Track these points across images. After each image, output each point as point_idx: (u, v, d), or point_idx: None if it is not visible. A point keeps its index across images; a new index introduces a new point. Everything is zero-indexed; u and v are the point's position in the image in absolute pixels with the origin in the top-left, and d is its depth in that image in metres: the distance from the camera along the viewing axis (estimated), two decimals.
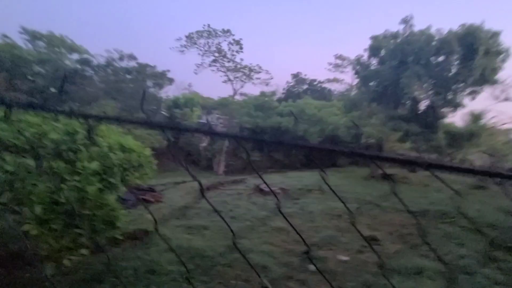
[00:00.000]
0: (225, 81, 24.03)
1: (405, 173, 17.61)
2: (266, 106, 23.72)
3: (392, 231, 6.83)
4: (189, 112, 21.76)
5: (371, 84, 13.72)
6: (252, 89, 58.17)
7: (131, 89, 17.89)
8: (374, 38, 13.17)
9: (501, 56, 10.97)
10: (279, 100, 29.87)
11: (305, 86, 38.03)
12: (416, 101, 12.95)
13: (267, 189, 9.77)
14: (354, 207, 8.59)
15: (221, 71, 23.43)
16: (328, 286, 4.46)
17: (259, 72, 23.18)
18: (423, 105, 13.42)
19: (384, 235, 6.52)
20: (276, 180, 12.54)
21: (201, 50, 23.13)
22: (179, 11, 41.92)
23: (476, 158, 24.53)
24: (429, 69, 11.56)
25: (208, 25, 22.26)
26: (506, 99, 10.35)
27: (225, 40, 22.45)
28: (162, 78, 21.33)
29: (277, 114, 22.85)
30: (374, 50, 13.24)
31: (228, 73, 23.32)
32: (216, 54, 22.86)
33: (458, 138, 14.81)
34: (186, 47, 23.16)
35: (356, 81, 17.70)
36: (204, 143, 22.61)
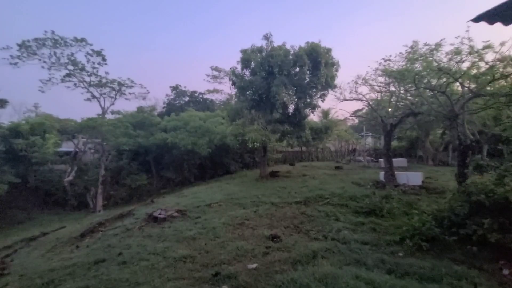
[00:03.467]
0: (88, 99, 19.65)
1: (287, 168, 20.85)
2: (147, 123, 21.86)
3: (287, 224, 7.54)
4: (39, 140, 16.37)
5: (248, 93, 14.99)
6: (127, 105, 52.10)
7: None
8: (244, 52, 14.50)
9: (335, 67, 14.92)
10: (161, 115, 28.22)
11: (187, 98, 37.77)
12: (285, 106, 15.31)
13: (162, 215, 8.60)
14: (253, 210, 8.95)
15: (81, 87, 18.92)
16: None
17: (132, 86, 20.50)
18: (291, 109, 16.06)
19: (282, 230, 7.08)
20: (170, 201, 11.54)
21: (45, 62, 17.77)
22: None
23: (331, 145, 33.13)
24: (291, 79, 13.96)
25: (53, 32, 17.43)
26: (344, 99, 14.02)
27: (80, 51, 18.29)
28: None
29: (161, 130, 21.35)
30: (245, 62, 14.55)
31: (92, 89, 19.18)
32: (70, 67, 18.24)
33: (318, 132, 18.88)
34: (20, 59, 17.19)
35: (234, 91, 19.14)
36: (69, 177, 17.62)
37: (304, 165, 22.19)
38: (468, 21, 2.97)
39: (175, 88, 37.10)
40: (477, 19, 2.88)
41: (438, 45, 10.27)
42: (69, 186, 17.56)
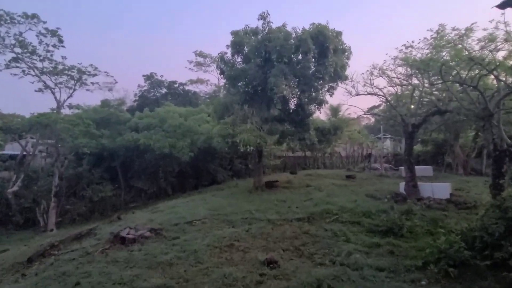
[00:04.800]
0: (40, 89, 19.32)
1: (288, 176, 20.95)
2: (114, 120, 21.72)
3: (287, 246, 7.57)
4: None
5: (239, 84, 15.02)
6: (89, 98, 51.78)
7: None
8: (235, 34, 14.56)
9: (346, 54, 15.12)
10: (131, 110, 28.17)
11: (164, 90, 37.77)
12: (286, 101, 15.40)
13: (131, 235, 8.54)
14: (245, 229, 8.96)
15: (31, 74, 18.57)
16: None
17: (95, 74, 20.27)
18: (292, 104, 16.17)
19: (280, 253, 7.10)
20: (142, 218, 11.47)
21: None
22: None
23: (341, 149, 33.46)
24: (292, 68, 14.07)
25: None
26: (357, 94, 14.19)
27: (30, 29, 17.93)
28: None
29: (131, 129, 21.28)
30: (236, 46, 14.61)
31: (45, 77, 18.83)
32: (18, 50, 17.90)
33: (326, 133, 19.08)
34: None
35: (223, 81, 19.15)
36: (14, 187, 17.30)
37: (308, 173, 22.30)
38: (493, 7, 3.03)
39: (149, 77, 37.07)
40: (503, 5, 2.93)
41: (469, 30, 10.54)
42: (14, 198, 17.21)
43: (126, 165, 21.58)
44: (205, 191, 18.71)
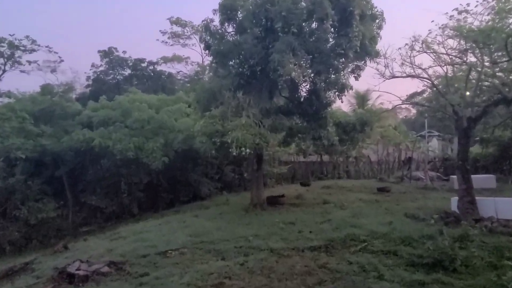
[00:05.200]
0: None
1: (298, 189, 20.91)
2: (58, 113, 21.72)
3: (297, 286, 7.54)
4: None
5: (232, 63, 14.91)
6: (24, 83, 51.45)
7: None
8: None
9: (377, 21, 15.09)
10: (83, 99, 28.12)
11: (128, 71, 37.75)
12: (295, 85, 15.37)
13: (83, 271, 8.51)
14: (239, 262, 8.94)
15: None
16: None
17: (33, 50, 20.23)
18: (304, 90, 16.12)
19: None
20: (98, 247, 11.46)
21: None
22: None
23: (371, 152, 33.48)
24: (303, 40, 14.00)
25: None
26: (392, 76, 14.18)
27: None
28: None
29: (82, 125, 21.29)
30: (227, 11, 14.48)
31: None
32: None
33: (350, 130, 19.08)
34: None
35: (209, 59, 19.06)
36: None
37: (326, 185, 22.27)
38: None
39: (107, 54, 37.08)
40: None
41: None
42: None
43: (76, 174, 21.50)
44: (184, 210, 18.71)
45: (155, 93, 27.72)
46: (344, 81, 15.00)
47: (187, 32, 40.52)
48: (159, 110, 21.85)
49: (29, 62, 20.89)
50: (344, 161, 30.67)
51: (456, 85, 15.01)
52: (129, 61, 37.91)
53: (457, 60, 14.21)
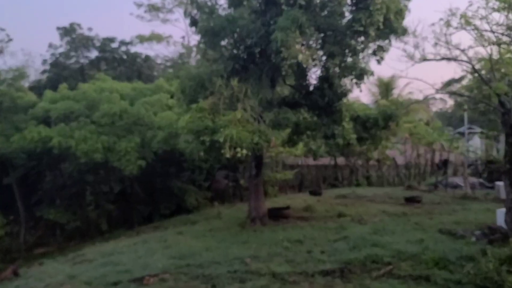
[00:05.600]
0: None
1: (306, 199, 20.84)
2: (7, 106, 21.79)
3: None
4: None
5: (224, 44, 15.05)
6: None
7: None
8: None
9: None
10: (39, 88, 28.14)
11: (95, 53, 37.73)
12: (302, 71, 15.38)
13: None
14: None
15: None
16: None
17: None
18: (313, 77, 16.17)
19: None
20: (58, 273, 11.38)
21: None
22: None
23: (397, 153, 33.39)
24: (312, 15, 14.01)
25: None
26: (423, 59, 14.14)
27: None
28: None
29: (37, 120, 21.31)
30: None
31: None
32: None
33: (370, 126, 19.05)
34: None
35: (195, 38, 18.95)
36: None
37: (341, 194, 22.23)
38: None
39: (68, 32, 36.91)
40: None
41: None
42: None
43: (29, 182, 21.46)
44: (166, 226, 18.70)
45: (129, 80, 27.70)
46: (363, 65, 15.03)
47: (169, 4, 40.39)
48: (134, 102, 21.81)
49: None
50: (364, 165, 30.68)
51: (503, 70, 15.02)
52: (96, 41, 37.71)
53: (504, 38, 14.22)
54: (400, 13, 14.70)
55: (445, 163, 30.01)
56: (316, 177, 29.02)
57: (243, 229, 15.27)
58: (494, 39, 14.26)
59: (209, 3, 15.17)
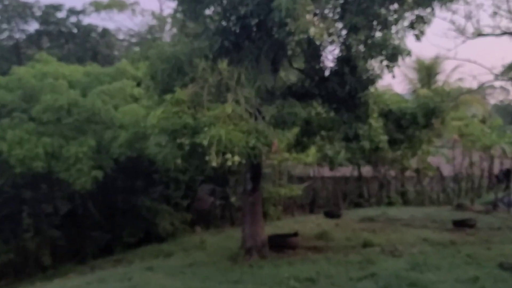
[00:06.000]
0: None
1: (321, 223, 20.75)
2: None
3: None
4: None
5: (208, 13, 15.23)
6: None
7: None
8: None
9: None
10: None
11: (33, 26, 37.76)
12: (315, 50, 15.42)
13: None
14: None
15: None
16: None
17: None
18: (329, 58, 16.20)
19: None
20: None
21: None
22: None
23: (442, 160, 33.05)
24: None
25: None
26: (478, 33, 14.19)
27: None
28: None
29: None
30: None
31: None
32: None
33: (407, 125, 19.07)
34: None
35: (170, 6, 18.88)
36: None
37: (368, 215, 22.27)
38: None
39: None
40: None
41: None
42: None
43: None
44: (131, 259, 18.74)
45: (81, 62, 27.68)
46: (397, 42, 15.07)
47: None
48: (87, 92, 21.77)
49: None
50: (398, 177, 30.77)
51: None
52: (36, 9, 37.69)
53: None
54: None
55: (507, 174, 30.11)
56: (333, 193, 29.07)
57: (235, 264, 15.26)
58: None
59: None
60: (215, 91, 15.87)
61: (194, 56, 15.50)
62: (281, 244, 16.67)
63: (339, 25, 14.97)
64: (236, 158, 13.98)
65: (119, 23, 41.24)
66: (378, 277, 12.63)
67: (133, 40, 40.59)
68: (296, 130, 17.49)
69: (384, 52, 15.12)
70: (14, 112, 20.61)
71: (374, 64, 15.75)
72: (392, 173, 30.32)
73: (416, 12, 15.27)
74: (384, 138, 16.98)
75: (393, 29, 15.03)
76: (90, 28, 38.90)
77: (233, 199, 25.18)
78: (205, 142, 13.90)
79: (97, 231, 22.46)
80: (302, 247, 16.66)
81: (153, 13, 40.02)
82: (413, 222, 20.14)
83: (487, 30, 14.37)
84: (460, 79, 29.86)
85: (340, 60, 15.91)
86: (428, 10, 15.21)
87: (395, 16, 14.94)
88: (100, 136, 20.40)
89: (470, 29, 14.15)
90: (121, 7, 40.36)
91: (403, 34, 15.34)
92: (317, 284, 12.47)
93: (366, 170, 29.59)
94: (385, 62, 15.46)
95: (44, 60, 24.94)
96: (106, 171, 20.07)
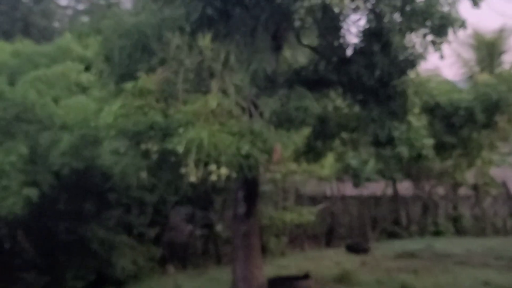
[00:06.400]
0: None
1: (342, 261, 20.82)
2: None
3: None
4: None
5: None
6: None
7: None
8: None
9: None
10: None
11: None
12: (332, 21, 15.45)
13: None
14: None
15: None
16: None
17: None
18: (353, 32, 16.22)
19: None
20: None
21: None
22: None
23: (510, 171, 32.97)
24: None
25: None
26: None
27: None
28: None
29: None
30: None
31: None
32: None
33: (460, 125, 19.05)
34: None
35: None
36: None
37: (407, 250, 22.39)
38: None
39: None
40: None
41: None
42: None
43: None
44: None
45: (8, 38, 27.77)
46: (446, 9, 15.04)
47: None
48: (16, 78, 21.77)
49: None
50: (449, 196, 30.85)
51: None
52: None
53: None
54: None
55: None
56: (359, 219, 29.13)
57: None
58: None
59: None
60: (194, 77, 15.71)
61: (165, 29, 15.40)
62: None
63: None
64: (224, 171, 13.80)
65: None
66: None
67: (80, 7, 40.72)
68: (306, 131, 17.34)
69: (428, 23, 15.07)
70: None
71: (415, 40, 15.64)
72: (441, 191, 30.35)
73: None
74: (429, 142, 16.82)
75: None
76: None
77: (219, 227, 25.15)
78: (180, 149, 13.74)
79: (30, 272, 22.41)
80: None
81: None
82: (470, 259, 20.17)
83: None
84: None
85: (367, 35, 15.84)
86: None
87: None
88: (34, 141, 20.30)
89: None
90: None
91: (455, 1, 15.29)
92: None
93: (405, 187, 29.63)
94: (430, 37, 15.38)
95: None
96: (43, 189, 19.94)
